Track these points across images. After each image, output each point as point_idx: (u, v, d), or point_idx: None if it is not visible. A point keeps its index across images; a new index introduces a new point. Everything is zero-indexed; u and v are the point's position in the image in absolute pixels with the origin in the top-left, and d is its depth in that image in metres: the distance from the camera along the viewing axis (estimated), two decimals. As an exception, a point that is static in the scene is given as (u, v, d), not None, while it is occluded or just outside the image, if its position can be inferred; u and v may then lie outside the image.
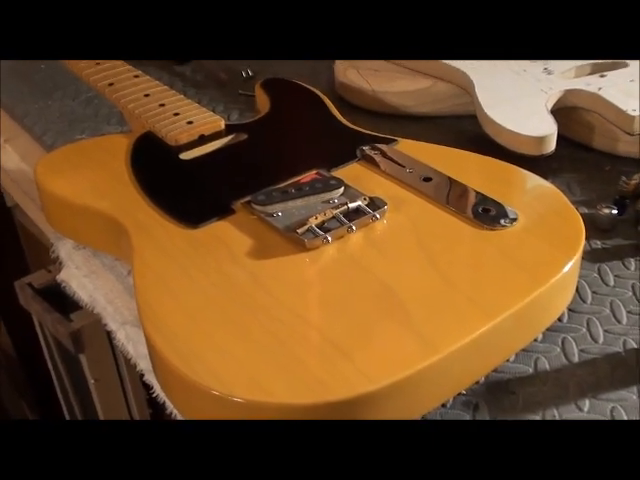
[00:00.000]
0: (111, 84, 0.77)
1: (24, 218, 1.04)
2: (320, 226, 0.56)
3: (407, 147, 0.68)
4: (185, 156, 0.69)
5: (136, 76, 0.80)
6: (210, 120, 0.72)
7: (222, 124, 0.72)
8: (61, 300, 0.88)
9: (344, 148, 0.69)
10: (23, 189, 0.81)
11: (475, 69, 0.80)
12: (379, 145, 0.68)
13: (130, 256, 0.56)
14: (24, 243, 1.16)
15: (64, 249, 0.69)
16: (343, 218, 0.57)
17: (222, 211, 0.60)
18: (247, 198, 0.61)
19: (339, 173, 0.65)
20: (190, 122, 0.71)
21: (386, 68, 0.86)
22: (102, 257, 0.67)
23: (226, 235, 0.58)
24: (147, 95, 0.76)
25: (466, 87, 0.80)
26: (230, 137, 0.71)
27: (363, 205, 0.59)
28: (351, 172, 0.65)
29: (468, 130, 0.80)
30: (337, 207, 0.58)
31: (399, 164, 0.65)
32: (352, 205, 0.58)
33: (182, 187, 0.65)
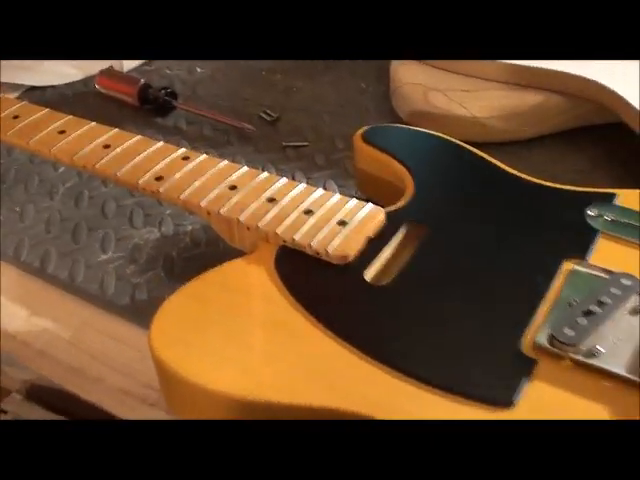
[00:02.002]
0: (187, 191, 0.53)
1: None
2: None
3: (632, 200, 0.53)
4: (373, 278, 0.48)
5: (186, 158, 0.56)
6: (368, 213, 0.51)
7: (382, 214, 0.52)
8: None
9: (567, 220, 0.52)
10: None
11: (607, 72, 0.65)
12: (605, 206, 0.52)
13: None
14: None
15: None
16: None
17: (522, 365, 0.42)
18: (537, 333, 0.43)
19: (598, 260, 0.48)
20: (342, 222, 0.50)
21: (479, 86, 0.68)
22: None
23: (553, 403, 0.40)
24: (234, 187, 0.53)
25: (594, 96, 0.65)
26: (402, 231, 0.51)
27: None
28: (608, 254, 0.49)
29: (602, 144, 0.66)
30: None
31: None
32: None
33: (419, 333, 0.45)
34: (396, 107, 0.72)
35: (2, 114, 0.63)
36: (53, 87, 0.80)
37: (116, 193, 0.64)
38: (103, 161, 0.57)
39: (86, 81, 0.81)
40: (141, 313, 0.54)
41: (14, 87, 0.80)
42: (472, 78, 0.69)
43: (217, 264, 0.57)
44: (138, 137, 0.59)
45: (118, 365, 0.53)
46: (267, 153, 0.68)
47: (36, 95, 0.79)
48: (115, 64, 0.81)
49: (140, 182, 0.55)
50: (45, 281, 0.59)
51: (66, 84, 0.81)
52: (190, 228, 0.61)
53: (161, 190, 0.54)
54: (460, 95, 0.67)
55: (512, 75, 0.68)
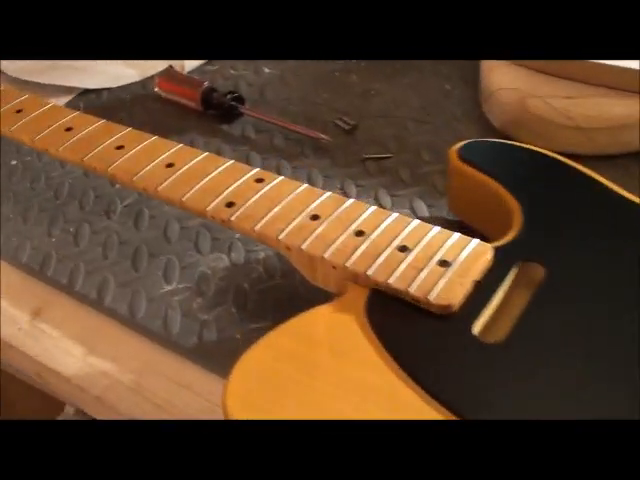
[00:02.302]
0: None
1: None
2: None
3: None
4: (482, 331, 0.41)
5: (260, 180, 0.50)
6: (474, 251, 0.44)
7: (490, 252, 0.44)
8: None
9: None
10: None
11: None
12: None
13: None
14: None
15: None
16: None
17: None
18: None
19: None
20: (444, 263, 0.43)
21: (584, 92, 0.60)
22: None
23: None
24: (316, 217, 0.47)
25: None
26: (514, 272, 0.44)
27: None
28: None
29: None
30: None
31: None
32: None
33: (550, 407, 0.37)
34: (488, 113, 0.65)
35: (54, 125, 0.57)
36: (108, 90, 0.74)
37: (179, 213, 0.58)
38: (166, 183, 0.51)
39: (144, 83, 0.75)
40: (210, 356, 0.49)
41: (66, 90, 0.74)
42: (577, 83, 0.61)
43: (294, 298, 0.51)
44: (205, 154, 0.53)
45: (185, 417, 0.47)
46: (345, 167, 0.62)
47: (90, 99, 0.74)
48: (175, 64, 0.74)
49: (209, 209, 0.48)
50: (102, 314, 0.53)
51: (122, 86, 0.75)
52: (263, 255, 0.54)
53: (233, 219, 0.48)
54: (563, 102, 0.60)
55: (623, 80, 0.60)
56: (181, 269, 0.54)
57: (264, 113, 0.67)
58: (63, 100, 0.73)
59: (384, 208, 0.56)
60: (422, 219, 0.52)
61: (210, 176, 0.51)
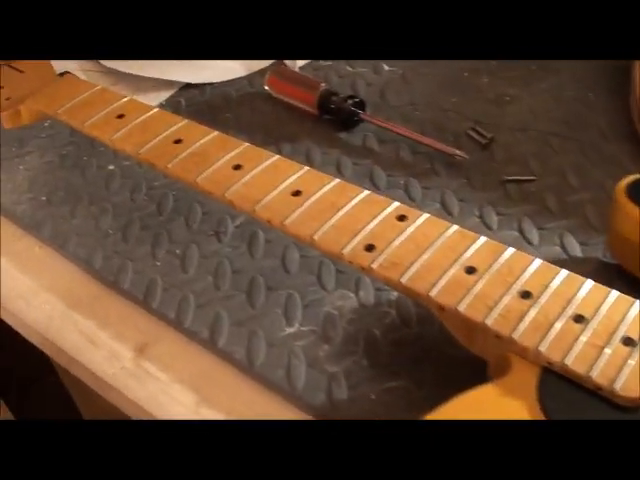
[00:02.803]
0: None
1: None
2: None
3: None
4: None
5: (402, 217, 0.44)
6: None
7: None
8: None
9: None
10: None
11: None
12: None
13: None
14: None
15: None
16: None
17: None
18: None
19: None
20: (629, 341, 0.37)
21: None
22: None
23: None
24: (472, 270, 0.40)
25: None
26: None
27: None
28: None
29: None
30: None
31: None
32: None
33: None
34: (644, 130, 0.57)
35: (161, 136, 0.52)
36: (212, 85, 0.68)
37: (298, 238, 0.52)
38: (294, 217, 0.45)
39: (250, 79, 0.69)
40: (342, 417, 0.43)
41: (166, 84, 0.68)
42: None
43: (433, 352, 0.45)
44: (336, 182, 0.47)
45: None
46: (483, 189, 0.55)
47: (192, 95, 0.68)
48: (289, 63, 0.68)
49: (345, 252, 0.42)
50: (216, 356, 0.48)
51: (227, 82, 0.68)
52: (396, 296, 0.48)
53: (375, 267, 0.41)
54: None
55: None
56: (304, 307, 0.49)
57: (387, 120, 0.60)
58: (163, 95, 0.67)
59: (530, 243, 0.51)
60: (575, 260, 0.46)
61: (344, 210, 0.45)
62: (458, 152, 0.56)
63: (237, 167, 0.49)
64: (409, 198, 0.55)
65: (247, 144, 0.50)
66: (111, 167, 0.61)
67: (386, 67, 0.68)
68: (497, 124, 0.60)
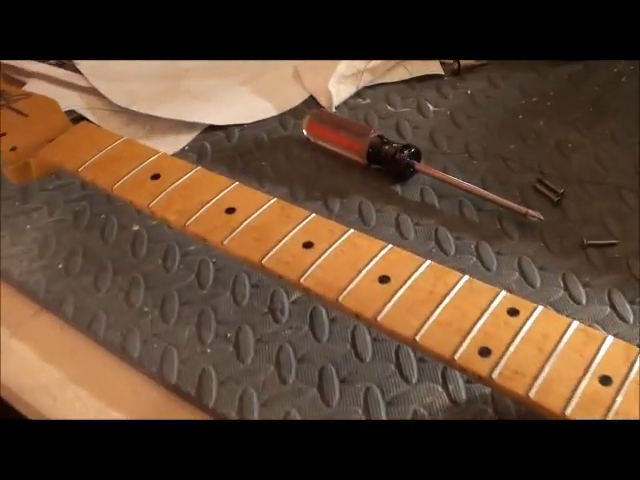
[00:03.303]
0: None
1: None
2: None
3: None
4: None
5: (513, 312, 0.39)
6: None
7: None
8: None
9: None
10: None
11: None
12: None
13: None
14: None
15: None
16: None
17: None
18: None
19: None
20: None
21: None
22: None
23: None
24: (607, 380, 0.35)
25: None
26: None
27: None
28: None
29: None
30: None
31: None
32: None
33: None
34: None
35: (210, 203, 0.45)
36: (240, 127, 0.62)
37: (367, 318, 0.46)
38: (388, 310, 0.39)
39: (282, 120, 0.62)
40: None
41: (187, 126, 0.61)
42: None
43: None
44: (427, 264, 0.41)
45: None
46: (562, 255, 0.50)
47: (219, 139, 0.61)
48: (320, 100, 0.62)
49: (457, 357, 0.37)
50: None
51: (256, 123, 0.62)
52: (489, 390, 0.43)
53: (495, 377, 0.36)
54: None
55: None
56: (387, 405, 0.43)
57: (444, 170, 0.55)
58: (184, 139, 0.60)
59: (625, 321, 0.46)
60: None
61: (446, 302, 0.39)
62: (532, 212, 0.51)
63: (308, 245, 0.43)
64: (483, 266, 0.49)
65: (313, 215, 0.44)
66: (135, 227, 0.54)
67: (431, 107, 0.62)
68: (565, 176, 0.55)
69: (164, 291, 0.50)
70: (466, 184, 0.53)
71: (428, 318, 0.38)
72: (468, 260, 0.50)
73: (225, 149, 0.60)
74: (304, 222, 0.44)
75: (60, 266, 0.52)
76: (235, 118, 0.61)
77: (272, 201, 0.45)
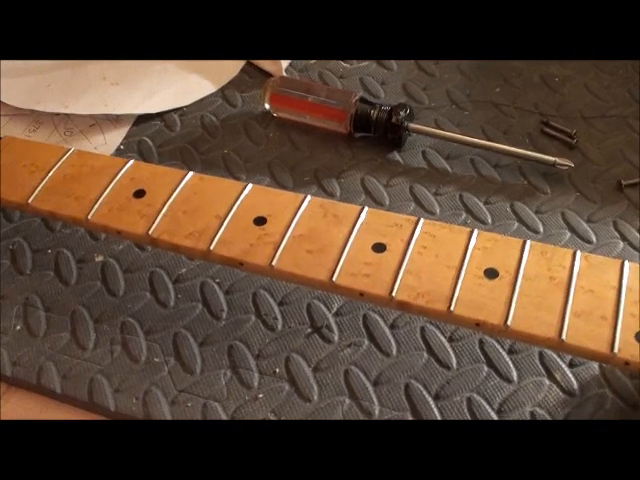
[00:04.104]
0: None
1: None
2: None
3: None
4: None
5: None
6: None
7: None
8: None
9: None
10: None
11: None
12: None
13: None
14: None
15: None
16: None
17: None
18: None
19: None
20: None
21: None
22: None
23: None
24: None
25: None
26: None
27: None
28: None
29: None
30: None
31: None
32: None
33: None
34: None
35: (229, 214, 0.36)
36: (179, 112, 0.51)
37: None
38: (515, 313, 0.32)
39: (226, 96, 0.52)
40: None
41: (113, 121, 0.50)
42: None
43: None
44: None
45: None
46: (603, 202, 0.45)
47: (159, 130, 0.50)
48: (268, 65, 0.52)
49: (617, 351, 0.31)
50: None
51: (196, 104, 0.51)
52: None
53: None
54: None
55: None
56: (497, 413, 0.36)
57: (438, 129, 0.48)
58: (115, 138, 0.49)
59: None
60: None
61: (573, 287, 0.33)
62: (561, 160, 0.45)
63: (379, 248, 0.35)
64: (530, 230, 0.43)
65: (367, 208, 0.36)
66: (99, 258, 0.43)
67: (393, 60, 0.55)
68: (566, 115, 0.50)
69: (171, 332, 0.40)
70: (476, 140, 0.47)
71: (564, 311, 0.32)
72: (510, 226, 0.44)
73: (171, 141, 0.49)
74: (360, 219, 0.36)
75: (18, 327, 0.40)
76: (169, 102, 0.51)
77: (308, 200, 0.37)
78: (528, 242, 0.34)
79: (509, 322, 0.32)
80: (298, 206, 0.36)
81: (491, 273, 0.34)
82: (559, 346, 0.32)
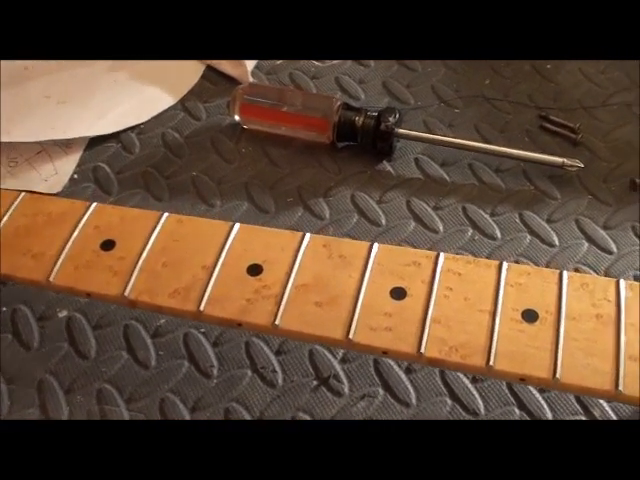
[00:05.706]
0: None
1: None
2: None
3: None
4: None
5: None
6: None
7: None
8: None
9: None
10: None
11: None
12: None
13: None
14: None
15: None
16: None
17: None
18: None
19: None
20: None
21: None
22: None
23: None
24: None
25: None
26: None
27: None
28: None
29: None
30: None
31: None
32: None
33: None
34: None
35: (217, 262, 0.32)
36: (136, 130, 0.45)
37: None
38: (563, 363, 0.29)
39: (187, 108, 0.47)
40: None
41: (62, 148, 0.44)
42: None
43: None
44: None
45: None
46: (618, 204, 0.41)
47: (116, 153, 0.45)
48: (230, 70, 0.47)
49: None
50: None
51: (154, 120, 0.46)
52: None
53: None
54: None
55: None
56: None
57: (428, 131, 0.44)
58: (67, 167, 0.44)
59: None
60: None
61: (623, 326, 0.30)
62: (569, 161, 0.41)
63: (398, 294, 0.30)
64: (544, 243, 0.40)
65: (377, 245, 0.32)
66: (63, 313, 0.38)
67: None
68: (565, 106, 0.46)
69: (156, 398, 0.35)
70: (474, 144, 0.43)
71: (618, 356, 0.28)
72: (522, 239, 0.40)
73: (131, 165, 0.44)
74: (371, 259, 0.31)
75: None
76: (125, 120, 0.45)
77: (307, 239, 0.32)
78: (565, 273, 0.30)
79: (558, 374, 0.28)
80: (297, 248, 0.32)
81: (530, 315, 0.30)
82: (615, 397, 0.28)
